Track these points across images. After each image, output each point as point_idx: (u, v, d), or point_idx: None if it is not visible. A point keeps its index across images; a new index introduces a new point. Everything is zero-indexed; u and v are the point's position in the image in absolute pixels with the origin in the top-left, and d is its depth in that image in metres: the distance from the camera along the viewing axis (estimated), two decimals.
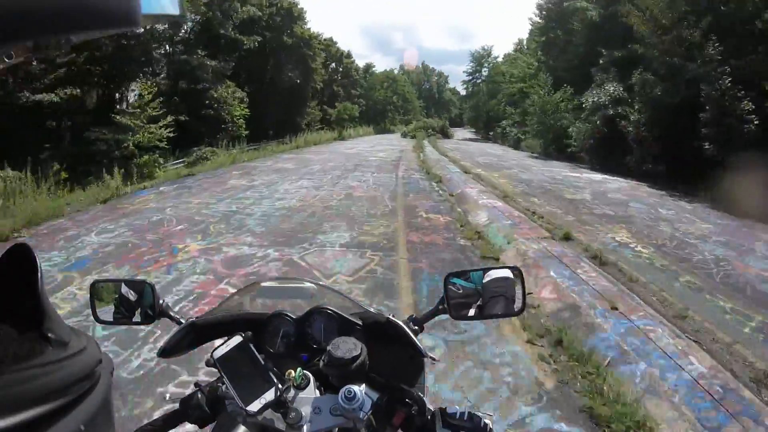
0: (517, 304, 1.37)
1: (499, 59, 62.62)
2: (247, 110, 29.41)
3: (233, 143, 26.87)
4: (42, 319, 0.50)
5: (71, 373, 0.51)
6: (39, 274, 0.52)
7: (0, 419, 0.40)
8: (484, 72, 63.00)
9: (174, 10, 0.57)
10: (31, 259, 0.53)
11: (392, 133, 64.98)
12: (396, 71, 74.93)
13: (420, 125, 55.59)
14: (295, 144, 34.61)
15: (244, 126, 28.79)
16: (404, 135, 53.38)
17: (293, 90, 40.20)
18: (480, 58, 63.40)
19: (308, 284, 1.55)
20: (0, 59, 0.46)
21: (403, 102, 76.89)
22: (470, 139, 56.91)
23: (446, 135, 54.69)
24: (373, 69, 71.84)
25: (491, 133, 55.72)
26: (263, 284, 1.62)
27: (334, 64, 57.22)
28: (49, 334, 0.50)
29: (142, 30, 18.96)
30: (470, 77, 63.98)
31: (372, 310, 1.46)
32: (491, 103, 58.27)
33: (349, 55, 59.59)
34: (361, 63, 69.75)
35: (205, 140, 24.40)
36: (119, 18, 0.43)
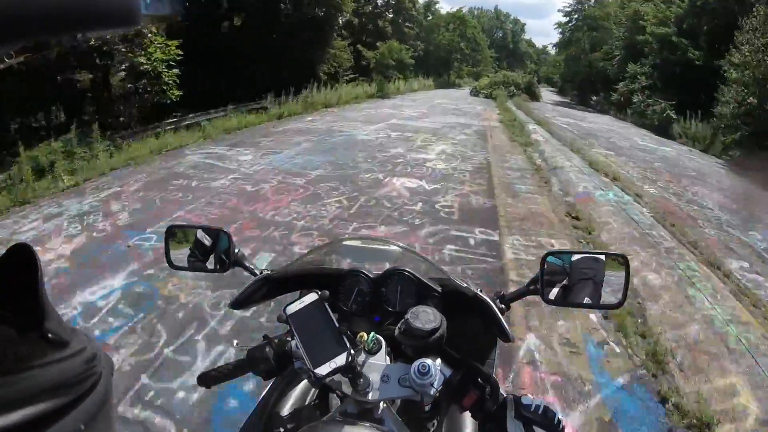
0: (613, 294, 1.25)
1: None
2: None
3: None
4: (42, 319, 0.49)
5: (71, 372, 0.50)
6: (39, 274, 0.51)
7: (0, 419, 0.41)
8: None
9: (175, 9, 0.38)
10: (32, 258, 0.52)
11: (458, 87, 50.18)
12: (465, 11, 57.87)
13: (498, 80, 39.86)
14: (286, 109, 18.65)
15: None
16: (475, 93, 38.52)
17: (316, 25, 25.50)
18: None
19: (393, 246, 1.50)
20: (0, 59, 0.45)
21: (473, 50, 60.46)
22: (563, 104, 41.11)
23: (534, 96, 38.78)
24: (438, 7, 55.36)
25: (595, 99, 39.50)
26: (346, 242, 1.70)
27: None
28: (49, 334, 0.49)
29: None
30: (567, 18, 46.64)
31: (461, 282, 1.35)
32: (593, 57, 41.70)
33: None
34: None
35: None
36: (119, 18, 0.43)
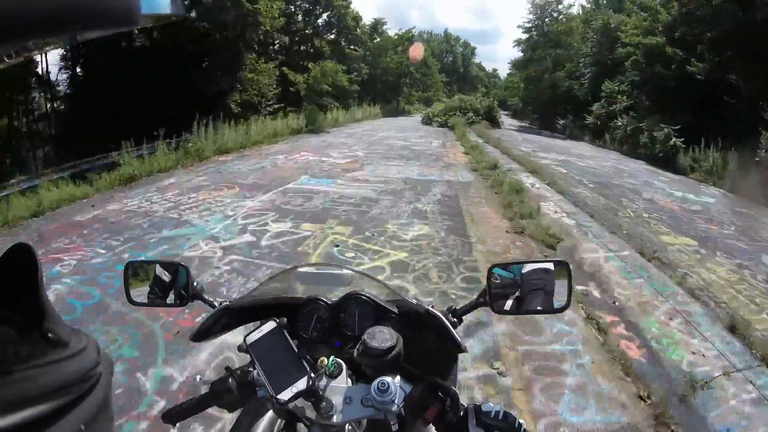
0: (561, 300, 1.30)
1: (574, 9, 39.76)
2: None
3: None
4: (42, 319, 0.49)
5: (71, 373, 0.50)
6: (39, 274, 0.51)
7: (0, 419, 0.41)
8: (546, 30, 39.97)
9: (175, 9, 0.54)
10: (32, 258, 0.52)
11: (408, 115, 44.79)
12: (414, 31, 52.04)
13: (453, 105, 34.01)
14: (147, 166, 11.45)
15: None
16: (427, 120, 32.70)
17: (225, 42, 19.86)
18: (544, 8, 39.62)
19: (346, 271, 1.50)
20: (0, 59, 0.46)
21: (423, 75, 55.14)
22: (525, 129, 36.10)
23: (496, 122, 33.14)
24: (385, 28, 49.56)
25: (562, 122, 34.30)
26: (300, 269, 1.54)
27: (317, 9, 35.40)
28: (49, 334, 0.49)
29: None
30: (527, 35, 40.69)
31: (412, 300, 1.36)
32: (557, 76, 36.55)
33: None
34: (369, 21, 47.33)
35: None
36: (119, 18, 0.43)
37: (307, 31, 33.90)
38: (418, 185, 10.20)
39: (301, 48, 31.40)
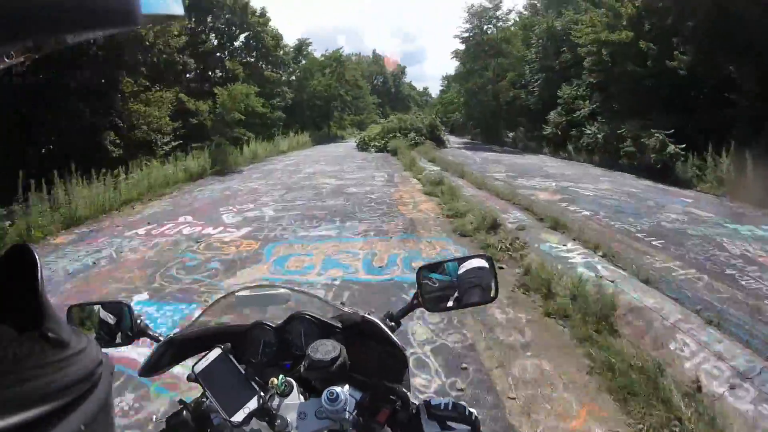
0: (492, 291, 1.34)
1: (512, 15, 35.90)
2: None
3: None
4: (42, 319, 0.49)
5: (71, 373, 0.49)
6: (39, 274, 0.51)
7: (0, 419, 0.40)
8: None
9: (176, 9, 0.55)
10: (32, 259, 0.52)
11: (340, 140, 40.58)
12: (342, 52, 47.31)
13: (392, 125, 29.34)
14: None
15: None
16: (363, 146, 28.10)
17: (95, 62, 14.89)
18: (482, 15, 34.44)
19: (283, 290, 1.53)
20: (0, 59, 0.45)
21: (354, 98, 50.79)
22: (470, 146, 32.01)
23: (440, 142, 28.85)
24: (311, 50, 44.71)
25: (511, 135, 30.82)
26: (238, 294, 1.49)
27: (233, 29, 30.30)
28: (49, 334, 0.48)
29: None
30: (465, 45, 37.02)
31: (348, 310, 1.40)
32: (500, 86, 32.88)
33: (262, 14, 31.59)
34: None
35: None
36: (119, 18, 0.43)
37: (219, 54, 28.68)
38: (374, 303, 5.04)
39: (211, 73, 25.96)
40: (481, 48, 34.31)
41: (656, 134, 15.68)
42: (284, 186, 13.21)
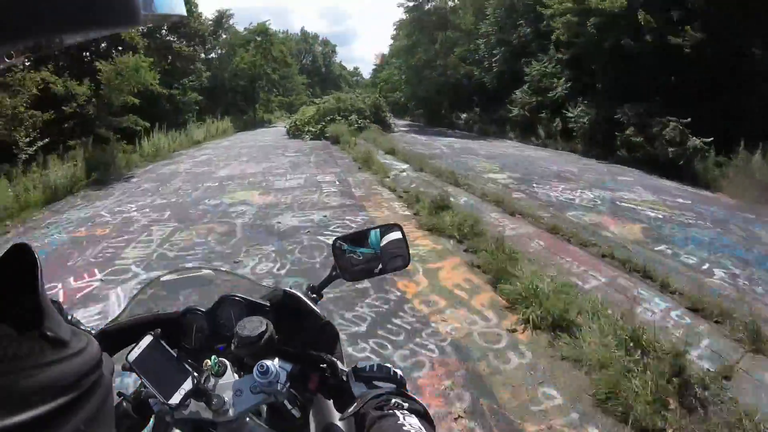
0: (405, 258, 1.43)
1: None
2: None
3: None
4: (42, 318, 0.48)
5: (71, 373, 0.49)
6: (39, 274, 0.51)
7: (0, 419, 0.40)
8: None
9: (177, 9, 0.54)
10: (31, 258, 0.52)
11: (268, 125, 35.69)
12: (269, 25, 41.19)
13: (329, 106, 24.37)
14: None
15: None
16: (296, 132, 23.35)
17: None
18: None
19: (206, 271, 1.58)
20: (0, 59, 0.44)
21: (282, 77, 44.96)
22: (415, 129, 27.78)
23: (386, 125, 24.59)
24: (232, 23, 38.54)
25: (465, 116, 27.18)
26: (163, 278, 1.57)
27: None
28: (49, 334, 0.48)
29: None
30: (408, 13, 31.59)
31: (271, 286, 1.44)
32: (450, 62, 28.86)
33: None
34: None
35: None
36: (120, 18, 0.42)
37: None
38: None
39: (93, 44, 19.60)
40: (427, 18, 30.07)
41: (673, 123, 12.21)
42: (176, 213, 8.19)
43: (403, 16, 31.83)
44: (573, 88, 18.16)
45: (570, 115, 16.95)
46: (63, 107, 14.35)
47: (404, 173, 10.51)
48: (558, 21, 17.52)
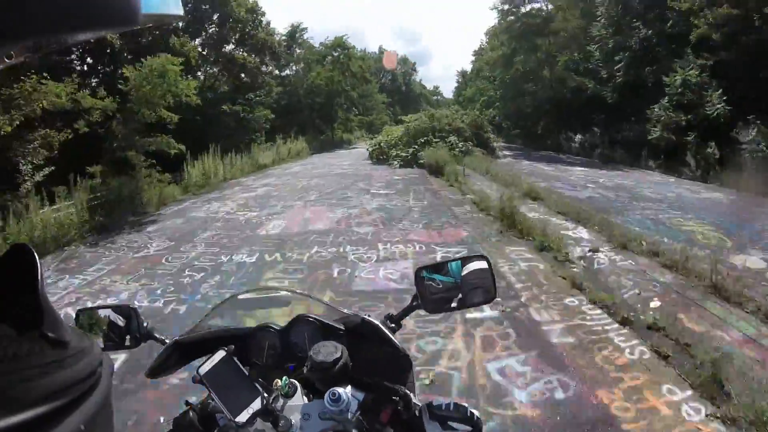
0: (489, 292, 1.32)
1: None
2: None
3: None
4: (42, 319, 0.48)
5: (71, 373, 0.48)
6: (39, 274, 0.50)
7: (0, 419, 0.40)
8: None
9: (175, 9, 0.53)
10: (31, 258, 0.51)
11: (347, 146, 32.49)
12: (347, 38, 37.55)
13: (423, 125, 19.42)
14: None
15: None
16: (380, 156, 19.32)
17: None
18: None
19: (284, 293, 1.59)
20: (0, 59, 0.44)
21: (361, 96, 41.32)
22: (520, 154, 22.94)
23: (491, 149, 19.84)
24: (306, 37, 35.25)
25: (579, 139, 22.28)
26: (240, 297, 1.56)
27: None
28: (49, 334, 0.47)
29: None
30: (502, 17, 26.01)
31: (348, 313, 1.39)
32: (558, 72, 23.69)
33: None
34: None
35: None
36: (119, 18, 0.42)
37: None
38: None
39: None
40: (526, 23, 25.08)
41: None
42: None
43: (495, 23, 27.29)
44: (737, 104, 12.94)
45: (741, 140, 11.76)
46: (74, 125, 10.82)
47: (599, 256, 5.69)
48: (701, 18, 12.47)
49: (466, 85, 59.50)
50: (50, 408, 0.42)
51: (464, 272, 1.31)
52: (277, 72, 29.10)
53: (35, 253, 0.50)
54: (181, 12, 0.53)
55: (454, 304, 1.31)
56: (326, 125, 33.85)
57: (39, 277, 0.49)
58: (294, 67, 33.28)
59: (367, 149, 21.13)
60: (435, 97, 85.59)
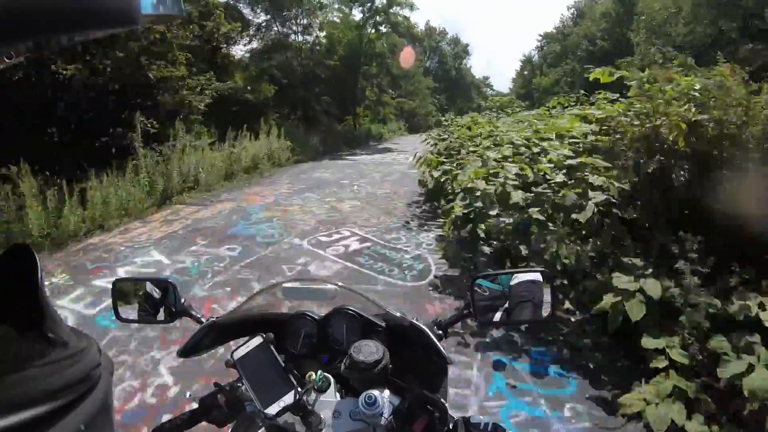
0: (546, 309, 1.14)
1: None
2: None
3: None
4: (42, 319, 0.48)
5: (71, 373, 0.48)
6: (39, 274, 0.50)
7: (0, 419, 0.40)
8: None
9: (175, 9, 0.52)
10: (31, 259, 0.51)
11: (377, 145, 20.49)
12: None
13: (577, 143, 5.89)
14: None
15: None
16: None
17: None
18: None
19: (331, 286, 1.34)
20: (0, 59, 0.44)
21: (401, 75, 27.40)
22: None
23: None
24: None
25: None
26: (285, 285, 1.35)
27: None
28: (49, 334, 0.47)
29: None
30: None
31: (396, 313, 1.23)
32: None
33: None
34: None
35: None
36: (119, 18, 0.41)
37: None
38: None
39: None
40: None
41: None
42: None
43: None
44: None
45: None
46: None
47: None
48: None
49: (534, 74, 45.95)
50: (50, 408, 0.42)
51: (513, 281, 1.17)
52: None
53: (35, 253, 0.49)
54: (181, 11, 0.51)
55: (497, 318, 1.16)
56: (343, 110, 20.50)
57: (39, 277, 0.48)
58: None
59: (416, 166, 8.69)
60: (484, 89, 71.26)
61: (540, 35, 53.23)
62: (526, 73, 55.29)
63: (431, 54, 57.68)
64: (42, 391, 0.42)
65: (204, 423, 1.07)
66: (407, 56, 33.17)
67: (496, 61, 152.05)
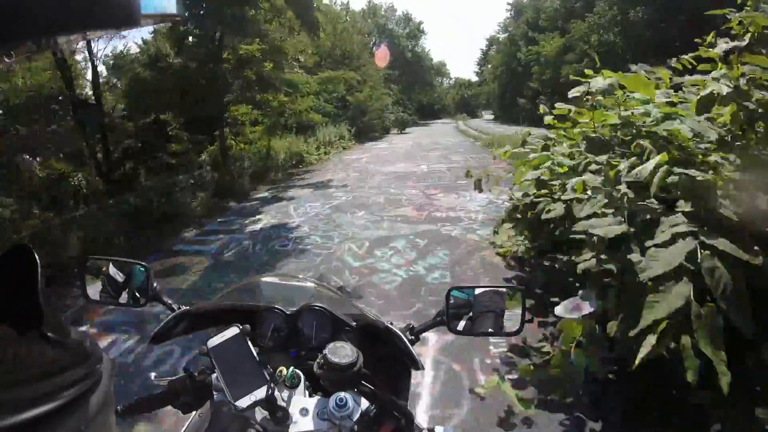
0: (515, 323, 1.14)
1: None
2: None
3: None
4: (42, 319, 0.46)
5: (71, 373, 0.47)
6: (39, 274, 0.49)
7: (0, 420, 0.39)
8: None
9: (174, 10, 0.52)
10: (31, 259, 0.49)
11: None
12: None
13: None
14: None
15: None
16: None
17: None
18: None
19: (309, 283, 1.41)
20: (0, 59, 0.43)
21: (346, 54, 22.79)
22: None
23: None
24: None
25: None
26: (264, 279, 1.48)
27: None
28: (49, 334, 0.46)
29: None
30: None
31: (371, 316, 1.23)
32: None
33: None
34: None
35: None
36: (119, 18, 0.41)
37: None
38: None
39: None
40: None
41: None
42: None
43: None
44: None
45: None
46: None
47: None
48: None
49: (517, 46, 36.96)
50: (50, 408, 0.41)
51: (477, 292, 1.16)
52: None
53: (35, 253, 0.48)
54: (181, 11, 0.57)
55: (460, 327, 1.14)
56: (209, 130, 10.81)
57: (39, 277, 0.47)
58: None
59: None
60: (439, 78, 61.73)
61: (509, 3, 44.28)
62: (492, 52, 46.31)
63: (379, 35, 47.68)
64: (42, 391, 0.42)
65: (169, 407, 1.02)
66: (380, 57, 28.63)
67: (448, 47, 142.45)
